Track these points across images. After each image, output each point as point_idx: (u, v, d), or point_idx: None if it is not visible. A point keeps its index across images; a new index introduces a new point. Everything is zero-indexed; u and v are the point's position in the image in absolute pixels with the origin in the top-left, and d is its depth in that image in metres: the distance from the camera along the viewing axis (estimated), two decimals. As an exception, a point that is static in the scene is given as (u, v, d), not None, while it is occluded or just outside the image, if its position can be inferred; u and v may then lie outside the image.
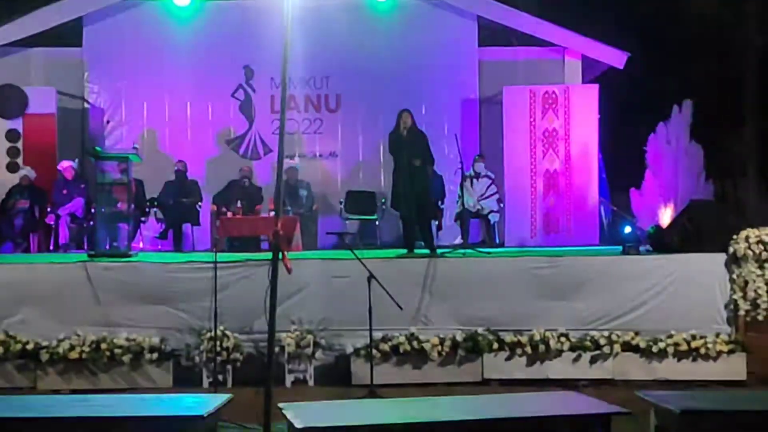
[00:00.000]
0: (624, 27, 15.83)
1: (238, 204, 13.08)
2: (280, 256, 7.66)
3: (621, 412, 4.34)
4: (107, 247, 11.25)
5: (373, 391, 9.16)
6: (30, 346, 9.87)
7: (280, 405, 4.55)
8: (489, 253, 11.26)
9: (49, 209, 13.30)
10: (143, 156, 13.34)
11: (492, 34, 15.01)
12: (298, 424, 4.10)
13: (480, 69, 14.94)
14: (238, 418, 8.17)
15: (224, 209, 13.26)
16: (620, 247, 11.01)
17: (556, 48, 14.90)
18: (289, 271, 7.67)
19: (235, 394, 9.23)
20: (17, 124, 13.90)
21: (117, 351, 9.87)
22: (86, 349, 9.86)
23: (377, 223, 14.06)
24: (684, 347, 9.99)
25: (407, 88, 14.52)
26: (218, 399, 4.48)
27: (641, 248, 10.92)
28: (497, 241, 13.59)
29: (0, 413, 4.26)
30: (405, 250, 11.49)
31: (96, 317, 10.17)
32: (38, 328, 10.06)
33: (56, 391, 9.64)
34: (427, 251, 11.30)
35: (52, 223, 13.25)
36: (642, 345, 10.05)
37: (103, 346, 9.88)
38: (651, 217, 12.26)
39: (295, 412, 4.31)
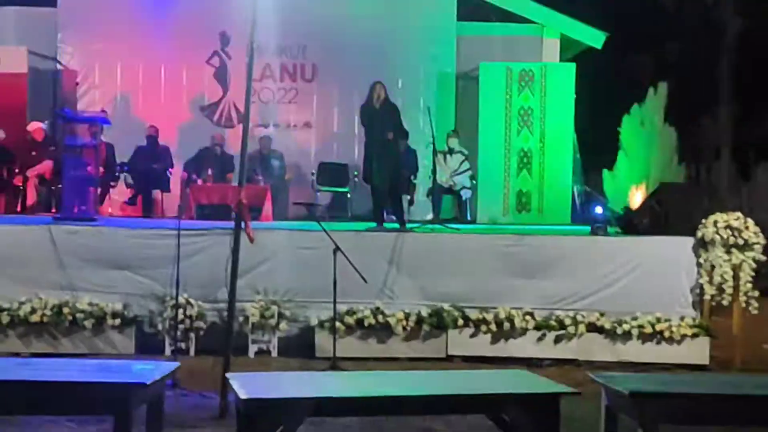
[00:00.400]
0: (603, 6, 15.74)
1: (209, 172, 12.96)
2: (243, 225, 7.64)
3: (570, 392, 4.31)
4: (75, 210, 11.11)
5: (335, 363, 9.13)
6: (-10, 308, 9.78)
7: (228, 375, 4.50)
8: (458, 229, 11.21)
9: (17, 170, 13.14)
10: (114, 120, 13.23)
11: (471, 9, 14.88)
12: (242, 395, 4.04)
13: (458, 44, 14.83)
14: (197, 386, 8.16)
15: (195, 176, 13.14)
16: (588, 228, 10.98)
17: (535, 25, 14.81)
18: (251, 240, 7.64)
19: (196, 362, 9.36)
20: (-14, 83, 13.69)
21: (79, 315, 9.80)
22: (48, 312, 9.79)
23: (349, 195, 13.98)
24: (648, 330, 10.01)
25: (384, 61, 14.37)
26: (165, 367, 4.41)
27: (609, 229, 10.90)
28: (469, 217, 13.54)
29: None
30: (375, 224, 11.44)
31: (59, 281, 10.10)
32: (-1, 290, 9.98)
33: (16, 354, 9.55)
34: (396, 225, 11.25)
35: (20, 184, 13.09)
36: (607, 326, 10.06)
37: (65, 310, 9.81)
38: (623, 198, 12.24)
39: (241, 382, 4.25)
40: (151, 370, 4.33)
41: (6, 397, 4.06)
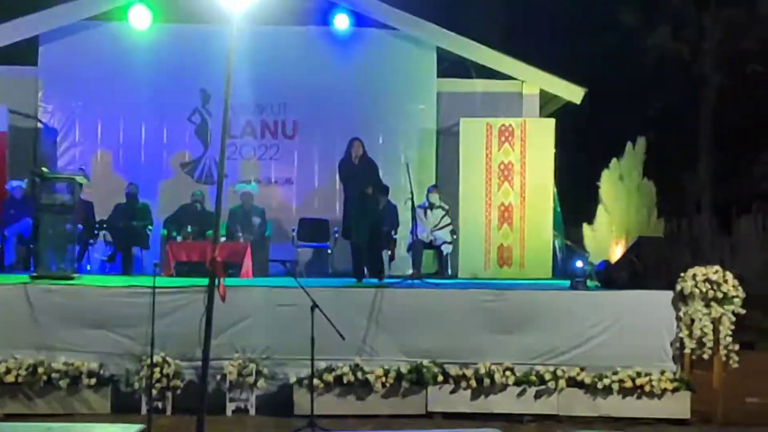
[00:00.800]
0: (582, 61, 15.87)
1: (188, 229, 12.92)
2: (216, 282, 7.59)
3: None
4: (54, 268, 11.04)
5: (313, 421, 9.04)
6: (-35, 369, 9.67)
7: (193, 437, 4.42)
8: (436, 284, 11.18)
9: (-5, 229, 13.09)
10: (94, 178, 13.20)
11: (451, 66, 15.03)
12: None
13: (438, 100, 14.94)
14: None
15: (174, 233, 13.10)
16: (568, 282, 10.96)
17: (515, 81, 14.92)
18: (222, 299, 7.58)
19: (173, 421, 9.29)
20: (-32, 142, 13.69)
21: (54, 375, 9.72)
22: (23, 372, 9.71)
23: (329, 251, 13.95)
24: (629, 384, 9.96)
25: (365, 117, 14.53)
26: (130, 430, 4.33)
27: (589, 284, 10.88)
28: (450, 272, 13.50)
29: None
30: (354, 280, 11.41)
31: (34, 340, 10.03)
32: (-26, 351, 9.87)
33: (-10, 416, 9.45)
34: (375, 281, 11.22)
35: (-1, 243, 13.04)
36: (587, 381, 10.00)
37: (40, 370, 9.73)
38: (603, 252, 12.23)
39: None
40: (114, 433, 4.25)
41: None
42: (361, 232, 11.45)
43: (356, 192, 11.47)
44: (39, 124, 14.54)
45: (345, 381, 9.92)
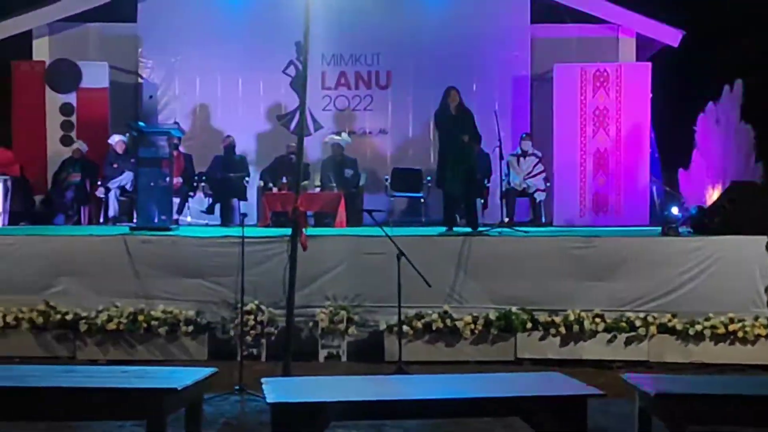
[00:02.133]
0: (680, 2, 15.46)
1: (284, 180, 13.16)
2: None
3: (596, 394, 4.29)
4: (155, 220, 11.39)
5: (401, 367, 9.19)
6: (69, 317, 10.08)
7: (263, 379, 4.59)
8: (526, 231, 11.18)
9: (99, 183, 13.54)
10: (193, 131, 13.52)
11: (545, 11, 14.81)
12: (269, 399, 4.13)
13: (532, 46, 14.80)
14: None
15: (270, 184, 13.36)
16: (659, 229, 10.83)
17: (610, 26, 14.68)
18: (304, 248, 7.76)
19: (267, 367, 9.50)
20: (71, 98, 14.15)
21: (153, 323, 10.03)
22: (124, 320, 10.04)
23: (423, 200, 14.03)
24: (722, 330, 9.82)
25: (458, 65, 14.46)
26: (200, 373, 4.53)
27: (681, 230, 10.74)
28: (544, 220, 13.47)
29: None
30: (445, 228, 11.49)
31: (134, 289, 10.36)
32: (78, 300, 10.28)
33: (94, 362, 9.82)
34: (468, 229, 11.27)
35: (102, 196, 13.49)
36: (678, 327, 9.90)
37: (140, 318, 10.05)
38: (698, 197, 12.03)
39: (273, 387, 4.34)
40: (186, 375, 4.44)
41: (45, 403, 4.22)
42: (455, 182, 11.50)
43: (451, 141, 11.50)
44: (139, 80, 14.93)
45: (434, 328, 10.02)
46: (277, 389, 4.30)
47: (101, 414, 4.48)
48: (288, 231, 10.64)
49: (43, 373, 4.53)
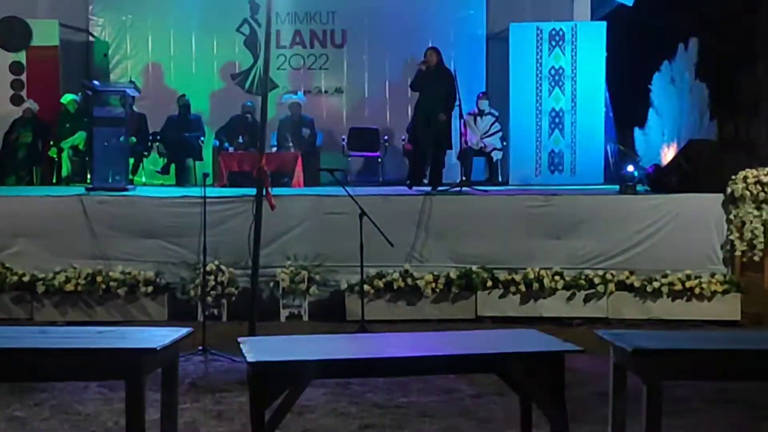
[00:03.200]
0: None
1: (240, 139, 13.06)
2: (264, 192, 7.73)
3: (574, 350, 4.33)
4: (109, 180, 11.26)
5: (364, 326, 9.22)
6: (26, 278, 10.01)
7: (239, 339, 4.57)
8: (485, 190, 11.22)
9: (51, 143, 13.33)
10: (146, 90, 13.35)
11: (500, -31, 14.79)
12: (249, 358, 4.11)
13: (487, 5, 14.74)
14: (227, 351, 8.28)
15: (226, 144, 13.25)
16: (618, 187, 10.93)
17: (566, -17, 14.66)
18: (272, 207, 7.73)
19: (228, 327, 9.49)
20: (21, 57, 13.86)
21: (112, 284, 9.97)
22: (82, 281, 9.97)
23: (380, 160, 14.01)
24: (679, 287, 9.99)
25: (414, 24, 14.42)
26: (177, 332, 4.50)
27: (639, 188, 10.85)
28: (500, 179, 13.51)
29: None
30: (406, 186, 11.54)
31: (92, 250, 10.28)
32: (35, 261, 10.18)
33: (52, 323, 9.72)
34: (427, 189, 11.31)
35: (55, 156, 13.29)
36: (637, 284, 10.05)
37: (99, 279, 9.98)
38: (654, 156, 12.12)
39: (250, 346, 4.32)
40: (163, 336, 4.41)
41: (22, 364, 4.16)
42: (426, 141, 11.63)
43: (426, 99, 11.57)
44: (90, 38, 14.68)
45: (395, 287, 10.06)
46: (255, 349, 4.28)
47: (79, 374, 4.44)
48: (246, 191, 10.73)
49: (17, 334, 4.47)
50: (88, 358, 4.15)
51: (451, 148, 12.31)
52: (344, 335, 6.18)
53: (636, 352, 4.22)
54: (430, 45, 14.20)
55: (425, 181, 12.06)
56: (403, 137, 13.79)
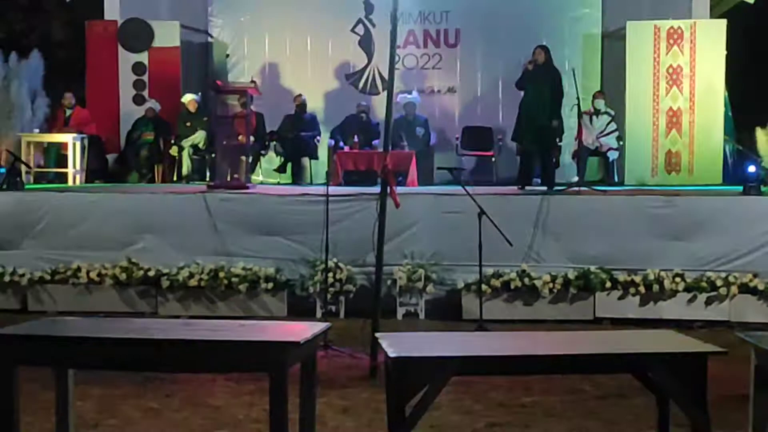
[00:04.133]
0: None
1: (355, 138, 13.19)
2: (389, 190, 7.79)
3: (717, 351, 4.28)
4: (228, 178, 11.52)
5: (481, 325, 9.22)
6: (152, 273, 10.24)
7: (377, 334, 4.63)
8: (604, 191, 11.12)
9: (172, 141, 13.67)
10: (262, 90, 13.57)
11: (616, -33, 14.63)
12: (390, 353, 4.17)
13: (603, 3, 14.61)
14: (347, 347, 8.39)
15: (341, 143, 13.40)
16: (741, 187, 10.71)
17: (684, -19, 14.43)
18: (397, 205, 7.78)
19: (346, 324, 9.57)
20: (143, 58, 14.24)
21: (234, 280, 10.15)
22: (205, 277, 10.17)
23: (493, 159, 13.99)
24: (804, 290, 9.73)
25: (528, 23, 14.39)
26: (317, 327, 4.58)
27: (763, 189, 10.61)
28: (616, 179, 13.38)
29: (108, 333, 4.46)
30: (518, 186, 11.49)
31: (214, 246, 10.48)
32: (159, 256, 10.42)
33: (176, 317, 9.91)
34: (543, 188, 11.24)
35: (175, 155, 13.62)
36: (760, 287, 9.82)
37: (221, 274, 10.17)
38: (777, 157, 11.87)
39: (390, 342, 4.38)
40: (304, 330, 4.50)
41: (168, 354, 4.28)
42: (532, 139, 11.53)
43: (532, 98, 11.50)
44: (209, 39, 15.00)
45: (512, 287, 10.03)
46: (395, 344, 4.33)
47: (224, 366, 4.56)
48: (363, 188, 10.85)
49: (164, 326, 4.60)
50: (235, 350, 4.25)
51: (555, 148, 12.20)
52: (476, 333, 6.19)
53: (783, 354, 4.16)
54: (544, 43, 14.23)
55: (537, 181, 11.95)
56: (498, 136, 13.77)
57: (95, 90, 14.25)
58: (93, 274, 10.26)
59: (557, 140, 13.47)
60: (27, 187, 11.54)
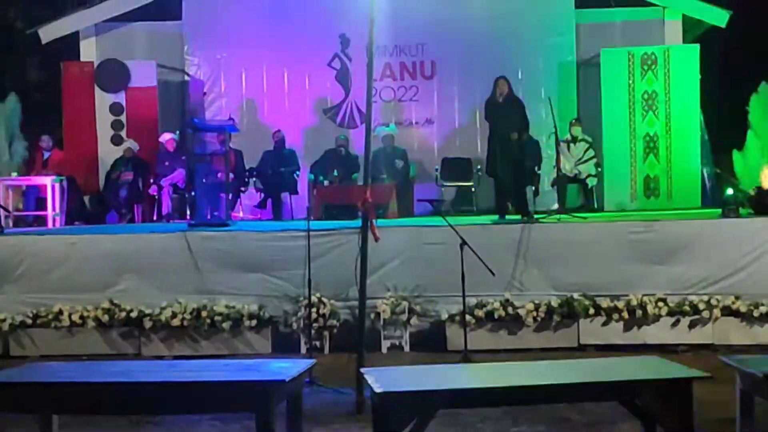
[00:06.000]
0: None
1: (335, 173, 13.20)
2: (369, 224, 7.79)
3: (703, 376, 4.29)
4: (208, 216, 11.50)
5: (467, 356, 9.20)
6: (134, 314, 10.18)
7: (362, 370, 4.62)
8: (584, 218, 11.16)
9: (152, 180, 13.65)
10: (241, 127, 13.61)
11: (589, -5, 14.78)
12: (376, 389, 4.16)
13: (577, 31, 14.74)
14: (333, 383, 8.34)
15: (321, 178, 13.41)
16: (720, 210, 10.78)
17: (656, 8, 14.59)
18: (376, 239, 7.77)
19: (331, 359, 9.54)
20: (120, 98, 14.25)
21: (217, 318, 10.10)
22: (188, 316, 10.11)
23: (473, 189, 14.03)
24: (786, 311, 9.76)
25: (503, 53, 14.46)
26: (302, 364, 4.57)
27: (741, 211, 10.68)
28: (596, 205, 13.44)
29: (92, 378, 4.43)
30: (497, 216, 11.50)
31: (196, 285, 10.43)
32: (141, 297, 10.37)
33: (160, 357, 9.88)
34: (518, 217, 11.28)
35: (155, 193, 13.61)
36: (743, 309, 9.84)
37: (204, 313, 10.12)
38: (754, 179, 11.94)
39: (375, 377, 4.37)
40: (289, 368, 4.48)
41: (154, 397, 4.26)
42: (504, 170, 11.50)
43: (500, 130, 11.49)
44: (186, 77, 15.02)
45: (496, 316, 10.01)
46: (381, 379, 4.32)
47: (210, 407, 4.54)
48: (343, 224, 10.84)
49: (149, 368, 4.58)
50: (220, 391, 4.23)
51: (531, 177, 12.21)
52: (462, 365, 6.18)
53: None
54: (519, 73, 14.34)
55: (510, 211, 11.93)
56: (477, 166, 13.80)
57: (72, 131, 14.23)
58: (75, 317, 10.20)
59: (536, 168, 13.56)
60: (6, 231, 11.47)
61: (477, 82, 14.37)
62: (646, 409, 4.39)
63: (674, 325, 9.93)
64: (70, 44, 14.73)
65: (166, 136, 13.74)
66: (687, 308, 9.91)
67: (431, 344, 10.15)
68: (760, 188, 11.07)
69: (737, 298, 9.91)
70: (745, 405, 4.57)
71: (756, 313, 9.78)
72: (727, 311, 9.87)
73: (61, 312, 10.24)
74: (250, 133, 14.58)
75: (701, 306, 9.87)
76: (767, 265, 10.02)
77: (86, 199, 14.07)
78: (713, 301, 9.89)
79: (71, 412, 4.90)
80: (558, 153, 12.21)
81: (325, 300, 10.14)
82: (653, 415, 4.39)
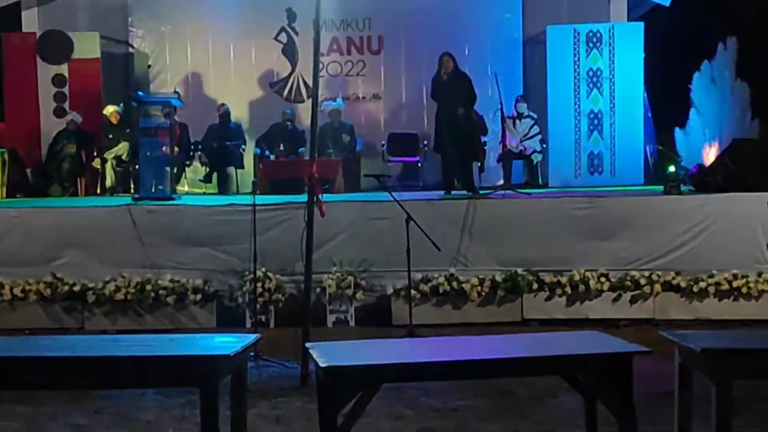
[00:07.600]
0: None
1: (281, 147, 13.15)
2: (315, 198, 7.79)
3: (642, 351, 4.36)
4: (152, 190, 11.40)
5: (412, 331, 9.26)
6: (77, 288, 10.11)
7: (307, 344, 4.64)
8: (528, 193, 11.25)
9: (95, 153, 13.49)
10: (186, 100, 13.47)
11: (536, -28, 14.81)
12: (321, 363, 4.17)
13: (524, 8, 14.78)
14: (278, 357, 8.37)
15: (267, 152, 13.36)
16: (662, 187, 10.93)
17: (602, -15, 14.66)
18: (322, 214, 7.79)
19: (277, 333, 9.56)
20: (63, 70, 14.02)
21: (161, 292, 10.06)
22: (131, 290, 10.06)
23: (419, 165, 14.07)
24: (725, 287, 9.95)
25: (450, 29, 14.48)
26: (247, 339, 4.57)
27: (683, 188, 10.84)
28: (540, 181, 13.54)
29: (34, 352, 4.39)
30: (443, 192, 11.55)
31: (140, 259, 10.37)
32: (84, 270, 10.29)
33: (103, 332, 9.84)
34: (465, 192, 11.33)
35: (98, 167, 13.45)
36: (683, 285, 10.02)
37: (148, 287, 10.07)
38: (696, 156, 12.09)
39: (320, 351, 4.38)
40: (234, 342, 4.48)
41: (97, 372, 4.24)
42: (452, 146, 11.56)
43: (446, 107, 11.52)
44: (130, 50, 14.84)
45: (441, 291, 10.09)
46: (325, 354, 4.34)
47: (154, 382, 4.53)
48: (289, 198, 10.81)
49: (93, 343, 4.55)
50: (164, 365, 4.22)
51: (480, 152, 12.27)
52: (406, 339, 6.23)
53: (705, 352, 4.24)
54: (466, 49, 14.37)
55: (457, 186, 11.99)
56: (425, 142, 13.84)
57: (14, 103, 13.99)
58: (17, 291, 10.10)
59: (482, 143, 13.61)
60: (-54, 204, 11.29)
61: (424, 57, 14.36)
62: (586, 383, 4.46)
63: (616, 300, 10.08)
64: (11, 15, 14.44)
65: (110, 109, 13.56)
66: (628, 283, 10.06)
67: (377, 319, 10.21)
68: (701, 165, 11.24)
69: (678, 273, 10.08)
70: (683, 379, 4.65)
71: (696, 289, 9.96)
72: (668, 286, 10.04)
73: (2, 285, 10.14)
74: (196, 107, 14.46)
75: (642, 281, 10.03)
76: (707, 241, 10.21)
77: (28, 172, 13.82)
78: (654, 277, 10.05)
79: (13, 387, 4.85)
80: (504, 129, 12.28)
81: (270, 274, 10.13)
82: (593, 390, 4.45)
